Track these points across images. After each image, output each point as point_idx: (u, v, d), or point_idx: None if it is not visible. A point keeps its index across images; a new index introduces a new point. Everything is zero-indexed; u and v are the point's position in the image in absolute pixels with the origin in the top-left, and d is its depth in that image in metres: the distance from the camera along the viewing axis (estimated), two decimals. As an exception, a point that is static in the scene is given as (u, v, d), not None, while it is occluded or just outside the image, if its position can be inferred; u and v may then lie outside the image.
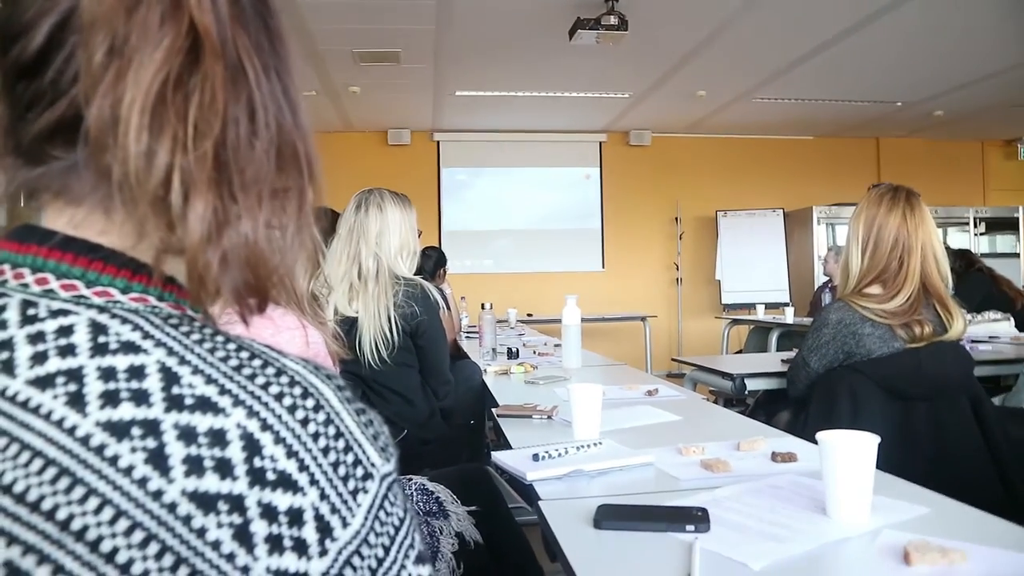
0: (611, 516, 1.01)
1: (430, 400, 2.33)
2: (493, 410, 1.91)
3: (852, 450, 0.95)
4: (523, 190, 8.23)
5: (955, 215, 8.17)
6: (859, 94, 6.93)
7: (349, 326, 2.24)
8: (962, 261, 4.13)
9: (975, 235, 8.18)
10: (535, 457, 1.34)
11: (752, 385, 2.51)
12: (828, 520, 0.97)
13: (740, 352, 5.99)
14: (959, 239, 8.17)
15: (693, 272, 8.19)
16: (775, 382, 2.47)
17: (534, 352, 3.30)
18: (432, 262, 4.24)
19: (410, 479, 1.74)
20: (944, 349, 2.01)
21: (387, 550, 0.44)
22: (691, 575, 0.82)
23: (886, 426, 1.99)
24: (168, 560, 0.37)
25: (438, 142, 7.99)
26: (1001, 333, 3.33)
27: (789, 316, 5.44)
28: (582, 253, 8.17)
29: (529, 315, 6.29)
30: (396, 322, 2.22)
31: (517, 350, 3.16)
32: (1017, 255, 8.05)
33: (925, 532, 0.91)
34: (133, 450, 0.38)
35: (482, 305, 3.27)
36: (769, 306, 6.26)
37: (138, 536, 0.37)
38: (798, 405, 2.23)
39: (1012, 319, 3.44)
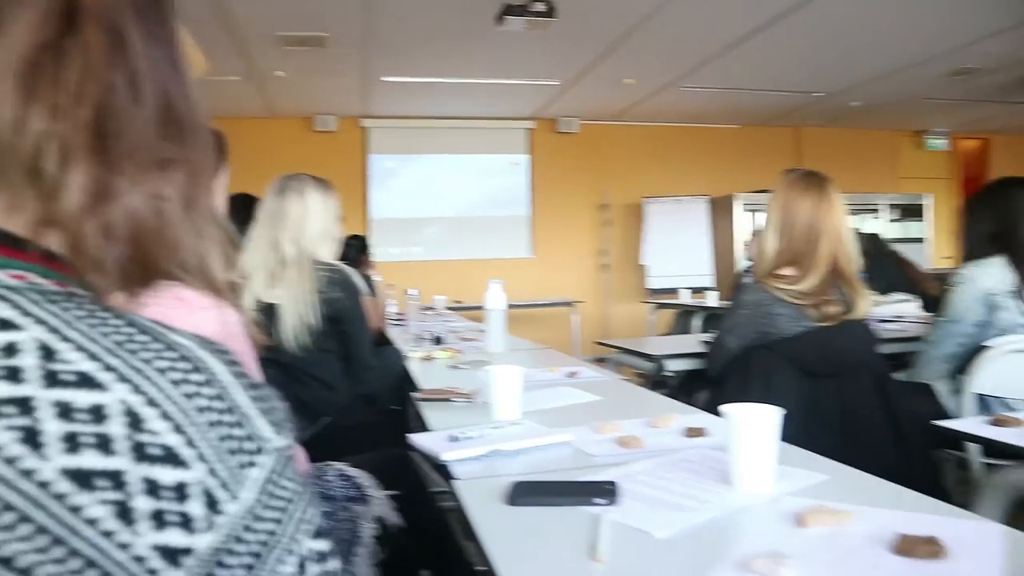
0: (524, 493, 1.02)
1: (352, 386, 2.31)
2: (413, 395, 1.90)
3: (754, 422, 0.99)
4: (452, 177, 8.19)
5: (869, 202, 8.50)
6: (782, 84, 7.12)
7: (269, 313, 2.20)
8: (873, 245, 4.29)
9: (888, 221, 8.53)
10: (452, 438, 1.34)
11: (673, 366, 2.57)
12: (732, 490, 1.00)
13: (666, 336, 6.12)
14: (873, 225, 8.49)
15: (620, 258, 8.31)
16: (695, 363, 2.53)
17: (460, 338, 3.29)
18: (354, 250, 4.19)
19: (328, 465, 1.72)
20: (851, 328, 2.09)
21: (280, 524, 0.43)
22: (596, 545, 0.83)
23: (797, 402, 2.06)
24: (41, 541, 0.36)
25: (365, 128, 7.87)
26: (907, 314, 3.50)
27: (712, 300, 5.57)
28: (511, 240, 8.19)
29: (458, 302, 6.28)
30: (317, 308, 2.19)
31: (442, 336, 3.16)
32: (923, 240, 8.45)
33: (823, 497, 0.95)
34: (9, 428, 0.37)
35: (406, 291, 3.25)
36: (694, 291, 6.41)
37: (8, 518, 0.36)
38: (716, 384, 2.29)
39: (917, 300, 3.60)
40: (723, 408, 1.01)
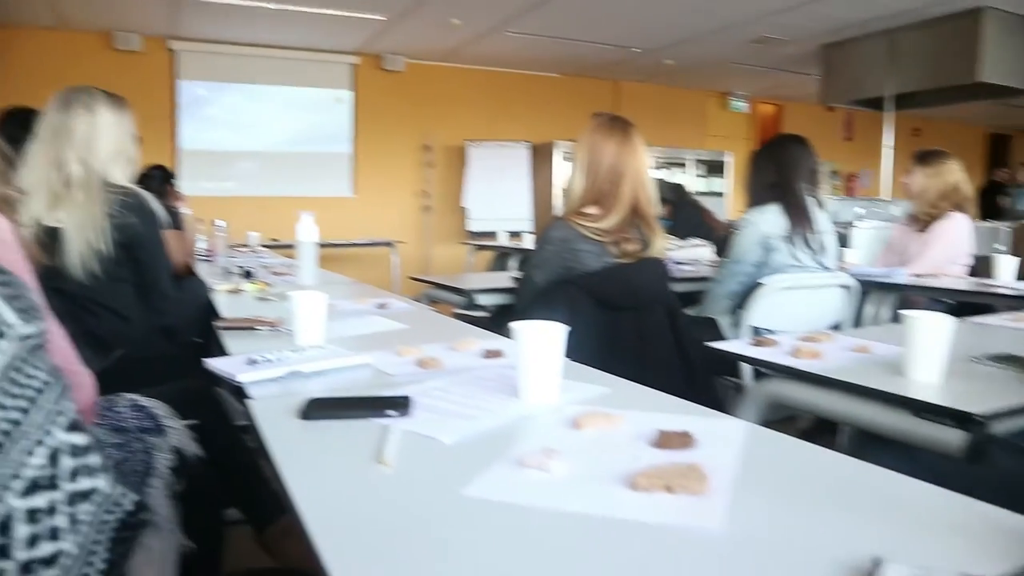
0: (318, 408, 1.03)
1: (149, 317, 2.18)
2: (214, 323, 1.83)
3: (539, 338, 1.04)
4: (270, 110, 7.77)
5: (679, 156, 9.04)
6: (602, 37, 7.34)
7: (51, 237, 2.02)
8: (677, 194, 4.59)
9: (695, 175, 9.13)
10: (251, 361, 1.31)
11: (485, 300, 2.64)
12: (520, 401, 1.06)
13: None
14: (681, 177, 9.07)
15: (442, 200, 8.34)
16: (506, 297, 2.61)
17: (272, 273, 3.19)
18: (158, 181, 3.91)
19: (120, 396, 1.63)
20: (648, 265, 2.23)
21: (25, 412, 0.41)
22: (383, 451, 0.85)
23: (598, 333, 2.20)
24: None
25: (174, 51, 7.28)
26: (702, 257, 3.80)
27: (529, 242, 5.74)
28: (332, 178, 7.96)
29: (274, 240, 6.06)
30: (108, 233, 2.04)
31: (252, 271, 3.04)
32: (724, 194, 9.15)
33: (601, 406, 1.03)
34: None
35: (213, 223, 3.09)
36: (512, 234, 6.56)
37: None
38: (524, 317, 2.38)
39: (712, 246, 3.93)
40: (512, 325, 1.06)
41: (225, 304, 2.23)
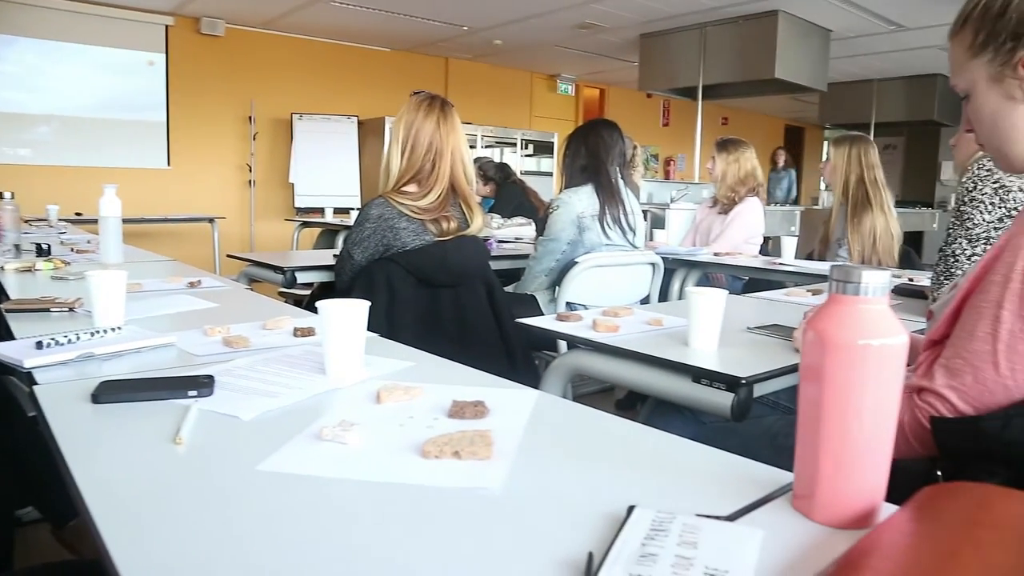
0: (111, 390, 0.99)
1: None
2: (0, 305, 1.69)
3: (343, 315, 1.06)
4: (73, 70, 7.07)
5: (508, 136, 9.22)
6: (432, 14, 7.32)
7: None
8: (501, 174, 4.71)
9: (522, 156, 9.35)
10: (39, 345, 1.23)
11: (305, 278, 2.59)
12: (325, 378, 1.07)
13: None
14: (510, 157, 9.26)
15: (267, 174, 8.02)
16: (326, 275, 2.58)
17: (72, 250, 2.96)
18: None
19: None
20: (466, 243, 2.29)
21: None
22: (180, 431, 0.84)
23: (417, 310, 2.23)
24: None
25: (-47, -4, 6.48)
26: (524, 235, 3.93)
27: (354, 219, 5.66)
28: (144, 148, 7.41)
29: (78, 214, 5.59)
30: None
31: (49, 246, 2.81)
32: (551, 174, 9.44)
33: (405, 380, 1.06)
34: None
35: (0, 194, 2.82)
36: (339, 210, 6.45)
37: None
38: (344, 295, 2.37)
39: (534, 224, 4.07)
40: (318, 304, 1.07)
41: (15, 284, 2.06)
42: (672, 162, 11.77)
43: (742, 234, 3.64)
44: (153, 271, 2.33)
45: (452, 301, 2.30)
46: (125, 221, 2.53)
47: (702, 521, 0.62)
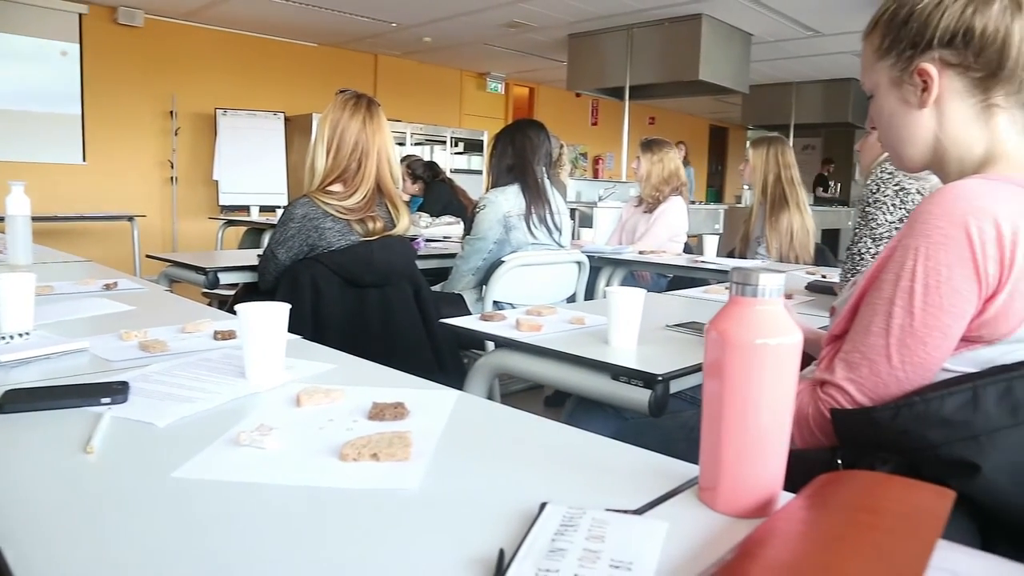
0: (16, 399, 0.95)
1: None
2: None
3: (260, 317, 1.05)
4: (-24, 59, 6.73)
5: (438, 134, 9.18)
6: (359, 9, 7.23)
7: None
8: (430, 172, 4.70)
9: (452, 153, 9.33)
10: (-63, 352, 1.18)
11: (228, 279, 2.54)
12: (245, 382, 1.06)
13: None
14: (440, 155, 9.23)
15: (190, 171, 7.80)
16: (251, 276, 2.54)
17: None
18: None
19: None
20: (392, 243, 2.29)
21: None
22: (91, 440, 0.82)
23: (343, 311, 2.22)
24: None
25: None
26: (453, 234, 3.93)
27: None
28: (58, 142, 7.09)
29: (-15, 211, 5.32)
30: None
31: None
32: (482, 172, 9.45)
33: (327, 383, 1.06)
34: None
35: None
36: (265, 208, 6.32)
37: None
38: (268, 296, 2.34)
39: (462, 223, 4.08)
40: (238, 307, 1.06)
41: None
42: (601, 161, 11.93)
43: (666, 232, 3.73)
44: (66, 273, 2.25)
45: (379, 301, 2.29)
46: (37, 219, 2.44)
47: (611, 515, 0.65)
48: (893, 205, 1.92)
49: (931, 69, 1.03)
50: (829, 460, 1.02)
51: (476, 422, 0.95)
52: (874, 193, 1.95)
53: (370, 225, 2.23)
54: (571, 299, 2.91)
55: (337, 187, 2.22)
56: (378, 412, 0.91)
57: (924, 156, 1.12)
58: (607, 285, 3.36)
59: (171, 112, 7.58)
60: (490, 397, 2.93)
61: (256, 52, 8.19)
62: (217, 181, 7.71)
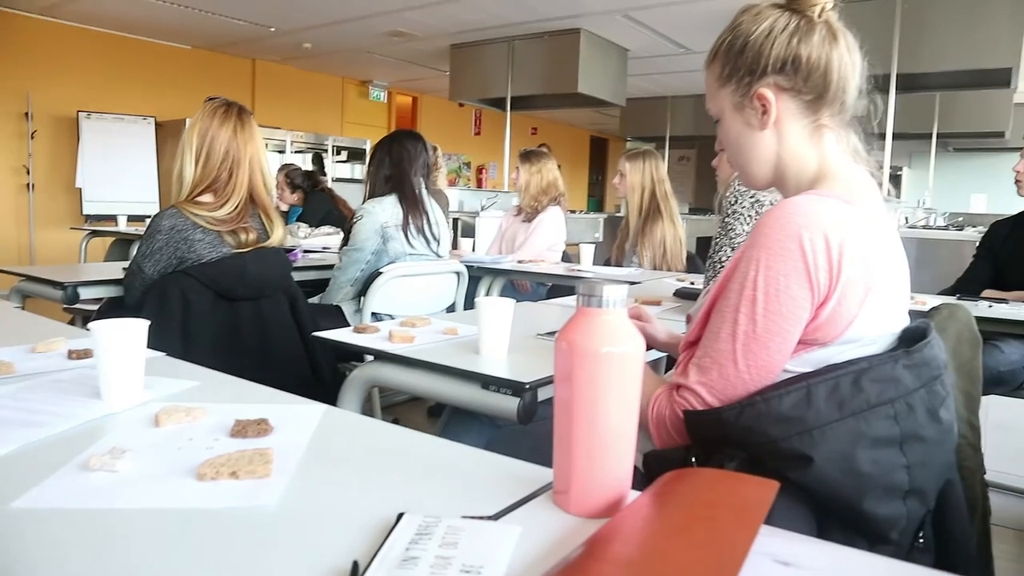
0: None
1: None
2: None
3: (116, 335, 1.01)
4: None
5: (320, 142, 9.01)
6: (236, 12, 7.01)
7: None
8: (309, 182, 4.62)
9: (334, 162, 9.18)
10: None
11: (90, 293, 2.42)
12: (100, 403, 1.02)
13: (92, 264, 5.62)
14: (323, 164, 9.07)
15: (50, 178, 7.31)
16: (115, 290, 2.42)
17: None
18: None
19: None
20: (266, 254, 2.23)
21: None
22: (-80, 470, 0.78)
23: (216, 325, 2.15)
24: None
25: None
26: (332, 244, 3.87)
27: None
28: None
29: None
30: None
31: None
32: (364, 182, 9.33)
33: (190, 401, 1.03)
34: None
35: None
36: (134, 218, 6.01)
37: None
38: (135, 311, 2.24)
39: (342, 233, 4.03)
40: (91, 325, 1.02)
41: None
42: (484, 170, 12.02)
43: (545, 242, 3.81)
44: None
45: (253, 315, 2.24)
46: None
47: (466, 522, 0.67)
48: (749, 216, 2.05)
49: (768, 94, 1.13)
50: (684, 459, 1.09)
51: (341, 436, 0.95)
52: (732, 205, 2.08)
53: (243, 236, 2.17)
54: (451, 309, 2.93)
55: (207, 197, 2.15)
56: (240, 429, 0.90)
57: (768, 174, 1.21)
58: (487, 294, 3.40)
59: (27, 114, 7.09)
60: (369, 411, 2.91)
61: (124, 53, 7.78)
62: (80, 189, 7.27)
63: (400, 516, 0.67)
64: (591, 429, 0.71)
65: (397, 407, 3.74)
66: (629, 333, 0.71)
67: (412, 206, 2.76)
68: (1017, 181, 2.78)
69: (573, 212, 8.60)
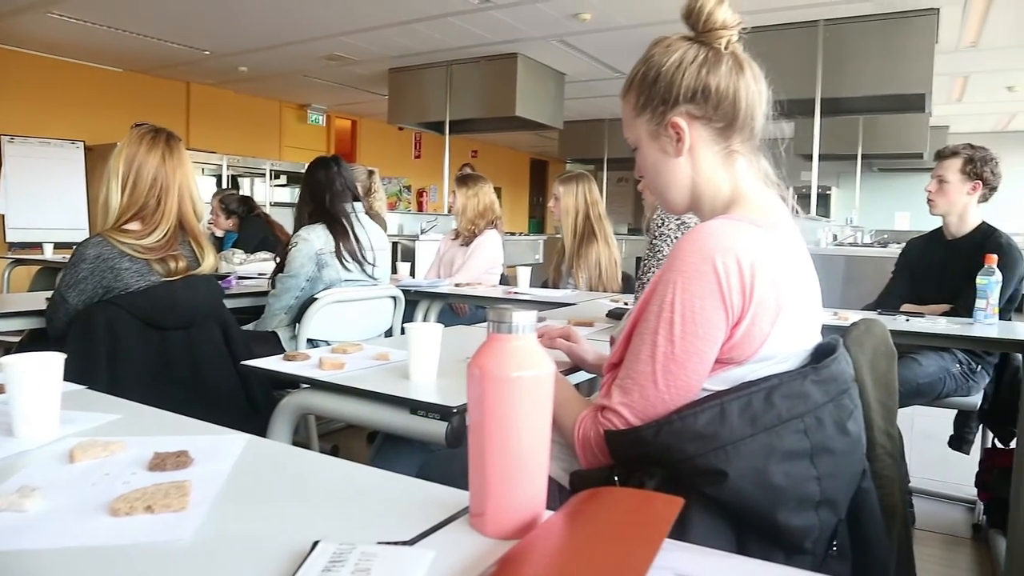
0: None
1: None
2: None
3: (28, 369, 0.99)
4: None
5: (257, 166, 8.90)
6: (169, 35, 6.91)
7: None
8: (244, 207, 4.56)
9: (272, 186, 9.08)
10: None
11: (11, 325, 2.34)
12: (13, 440, 1.00)
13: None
14: (260, 189, 8.96)
15: (-30, 205, 7.06)
16: (38, 321, 2.35)
17: None
18: None
19: None
20: (197, 282, 2.21)
21: None
22: None
23: (146, 356, 2.11)
24: None
25: None
26: (268, 271, 3.82)
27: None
28: None
29: None
30: None
31: None
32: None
33: (109, 434, 1.02)
34: None
35: None
36: (61, 245, 5.82)
37: None
38: (59, 342, 2.18)
39: (278, 259, 3.99)
40: (2, 360, 1.00)
41: None
42: (425, 194, 12.03)
43: (483, 265, 3.84)
44: None
45: (184, 345, 2.20)
46: None
47: (381, 548, 0.68)
48: (676, 237, 2.10)
49: (681, 122, 1.18)
50: (608, 478, 1.11)
51: (263, 466, 0.95)
52: (659, 227, 2.13)
53: (172, 264, 2.14)
54: (389, 333, 2.92)
55: (134, 225, 2.12)
56: (159, 462, 0.89)
57: (685, 199, 1.26)
58: (424, 318, 3.40)
59: (-53, 139, 6.85)
60: (304, 442, 2.88)
61: (51, 75, 7.57)
62: (3, 215, 7.02)
63: (315, 544, 0.68)
64: (504, 452, 0.72)
65: (337, 434, 3.70)
66: (539, 358, 0.73)
67: (341, 233, 2.76)
68: (929, 200, 2.91)
69: (513, 234, 8.66)
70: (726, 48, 1.19)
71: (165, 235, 2.14)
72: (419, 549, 0.69)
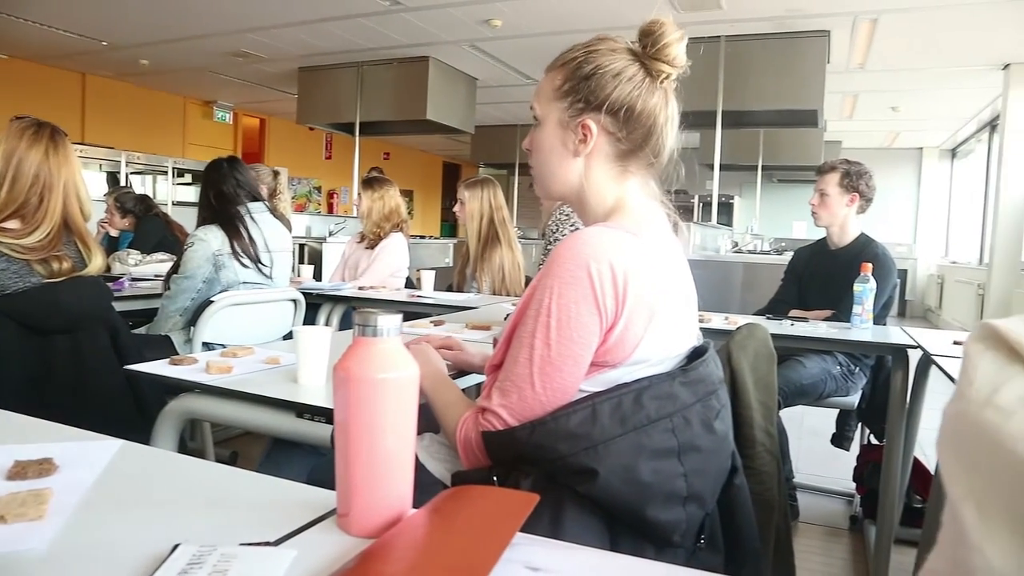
0: None
1: None
2: None
3: None
4: None
5: (159, 163, 8.60)
6: (62, 23, 6.61)
7: None
8: (141, 206, 4.40)
9: (175, 184, 8.78)
10: None
11: None
12: None
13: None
14: (162, 187, 8.65)
15: None
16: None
17: None
18: None
19: None
20: (83, 284, 2.13)
21: None
22: None
23: (25, 362, 2.02)
24: None
25: None
26: (165, 272, 3.71)
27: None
28: None
29: None
30: None
31: None
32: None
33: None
34: None
35: None
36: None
37: None
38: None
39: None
40: None
41: None
42: (335, 195, 11.87)
43: (388, 268, 3.83)
44: None
45: (69, 350, 2.12)
46: None
47: (242, 549, 0.69)
48: (571, 244, 2.16)
49: (593, 128, 1.21)
50: (487, 478, 1.14)
51: (133, 472, 0.94)
52: (554, 232, 2.19)
53: (55, 265, 2.06)
54: (288, 337, 2.88)
55: (14, 224, 2.03)
56: (20, 470, 0.87)
57: (564, 195, 1.30)
58: (326, 322, 3.37)
59: None
60: (199, 450, 2.81)
61: (-71, 63, 7.14)
62: None
63: (175, 547, 0.68)
64: (369, 452, 0.74)
65: (236, 440, 3.62)
66: (403, 360, 0.76)
67: (234, 233, 2.71)
68: (813, 213, 3.08)
69: (424, 237, 8.65)
70: (662, 83, 1.22)
71: (47, 235, 2.06)
72: (281, 549, 0.70)
